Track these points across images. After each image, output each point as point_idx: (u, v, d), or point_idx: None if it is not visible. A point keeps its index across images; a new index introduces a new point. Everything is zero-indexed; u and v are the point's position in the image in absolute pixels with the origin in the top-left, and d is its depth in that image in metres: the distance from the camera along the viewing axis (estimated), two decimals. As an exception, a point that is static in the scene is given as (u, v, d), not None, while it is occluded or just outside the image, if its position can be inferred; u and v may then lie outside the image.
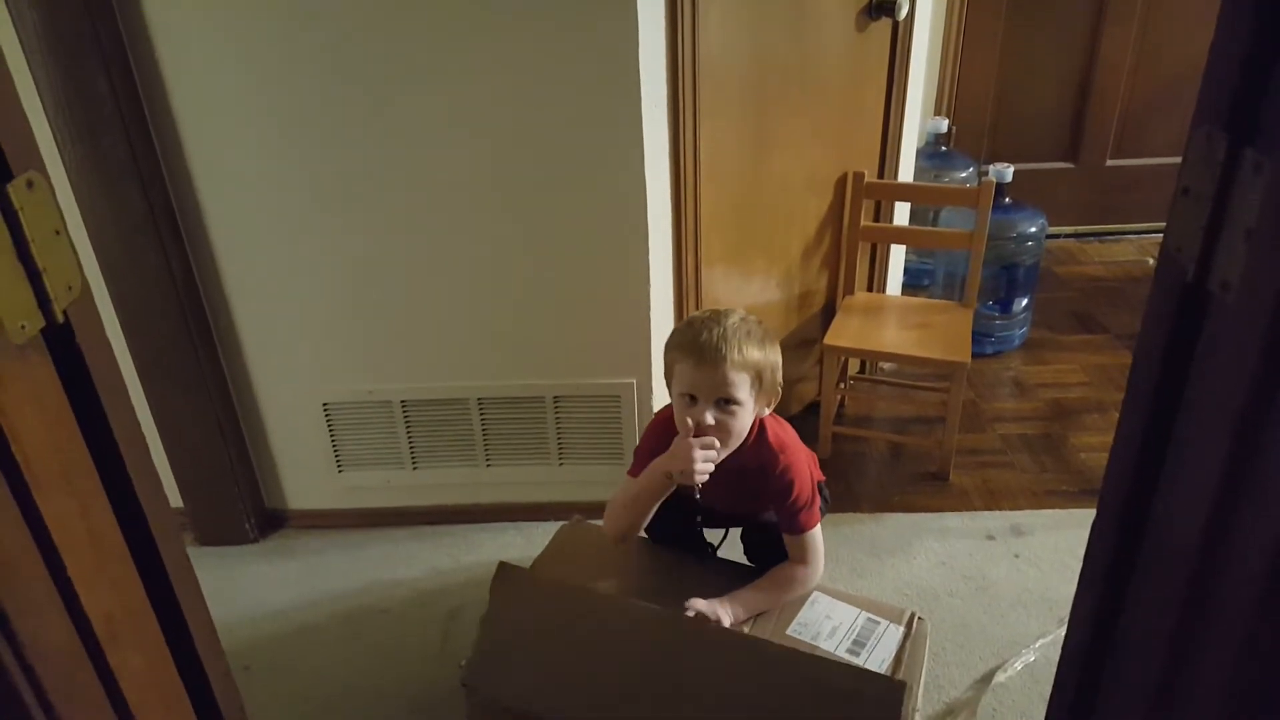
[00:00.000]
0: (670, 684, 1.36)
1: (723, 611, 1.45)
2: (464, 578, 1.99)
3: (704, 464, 1.37)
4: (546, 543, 1.68)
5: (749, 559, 1.66)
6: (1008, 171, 2.59)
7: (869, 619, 1.51)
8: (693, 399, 1.39)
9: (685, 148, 1.79)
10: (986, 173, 2.54)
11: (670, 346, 1.44)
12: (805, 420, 2.45)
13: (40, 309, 0.63)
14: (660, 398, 1.97)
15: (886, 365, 2.70)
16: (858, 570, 1.98)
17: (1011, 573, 1.97)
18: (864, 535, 2.08)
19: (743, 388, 1.38)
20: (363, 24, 1.62)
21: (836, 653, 1.44)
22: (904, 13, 2.12)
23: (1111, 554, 0.73)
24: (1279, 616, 0.56)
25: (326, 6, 1.61)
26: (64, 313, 0.66)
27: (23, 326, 0.61)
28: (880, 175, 2.36)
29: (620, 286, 1.84)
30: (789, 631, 1.48)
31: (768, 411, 1.48)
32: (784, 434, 1.51)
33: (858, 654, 1.44)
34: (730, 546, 1.72)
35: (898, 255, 2.65)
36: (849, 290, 2.40)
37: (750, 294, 2.17)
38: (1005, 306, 2.82)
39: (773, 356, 1.41)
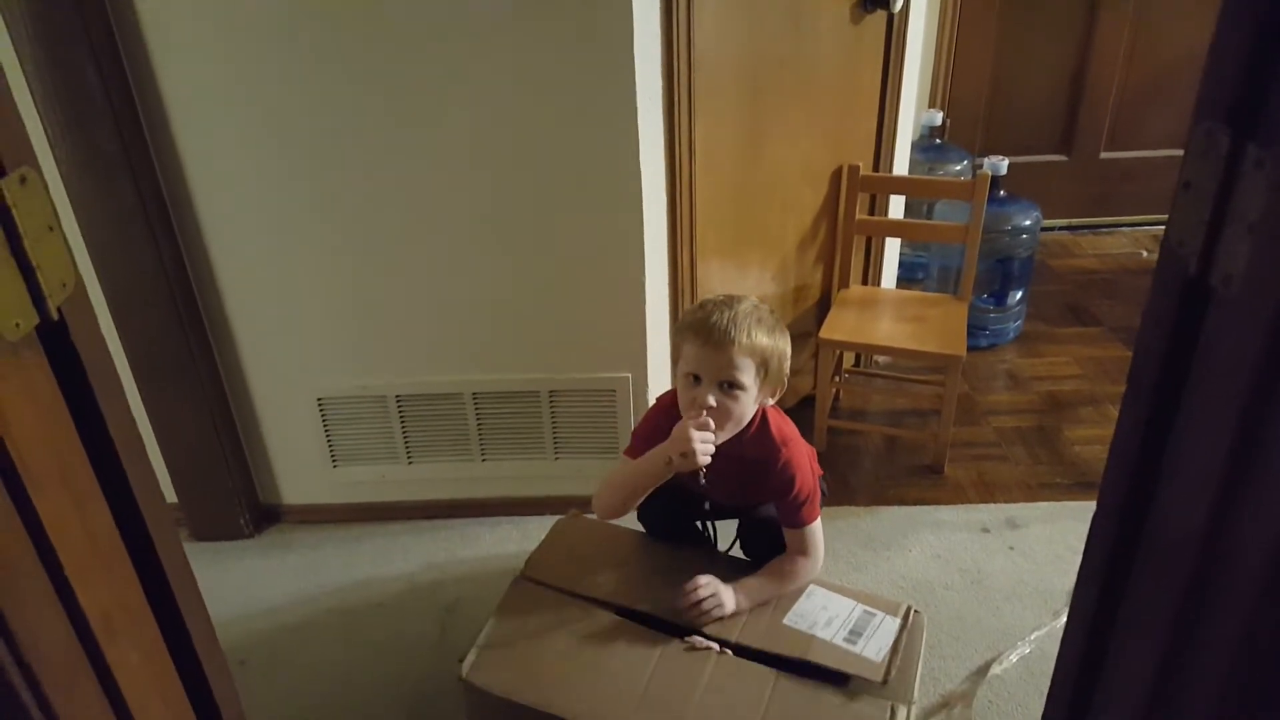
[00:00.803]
0: (669, 696, 1.36)
1: (727, 596, 1.45)
2: (460, 572, 1.99)
3: (703, 446, 1.36)
4: (541, 534, 1.67)
5: (745, 552, 1.66)
6: (1002, 164, 2.59)
7: (865, 611, 1.51)
8: (696, 379, 1.39)
9: (680, 141, 1.78)
10: (981, 166, 2.54)
11: (680, 327, 1.45)
12: (800, 413, 2.44)
13: (34, 306, 0.63)
14: (656, 391, 1.97)
15: (881, 359, 2.71)
16: (853, 563, 1.98)
17: (1006, 565, 1.98)
18: (859, 528, 2.09)
19: (747, 372, 1.37)
20: (356, 11, 1.61)
21: (833, 641, 1.44)
22: (899, 5, 2.11)
23: (1111, 547, 0.73)
24: (1279, 610, 0.56)
25: (319, -2, 1.60)
26: (58, 310, 0.65)
27: (16, 324, 0.61)
28: (875, 168, 2.36)
29: (616, 281, 1.84)
30: (785, 621, 1.48)
31: (771, 402, 1.48)
32: (786, 428, 1.51)
33: (854, 643, 1.44)
34: (726, 541, 1.72)
35: (892, 248, 2.65)
36: (844, 283, 2.40)
37: (746, 287, 2.17)
38: (999, 299, 2.82)
39: (781, 345, 1.41)
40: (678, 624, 1.46)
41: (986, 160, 2.56)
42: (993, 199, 2.44)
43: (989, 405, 2.57)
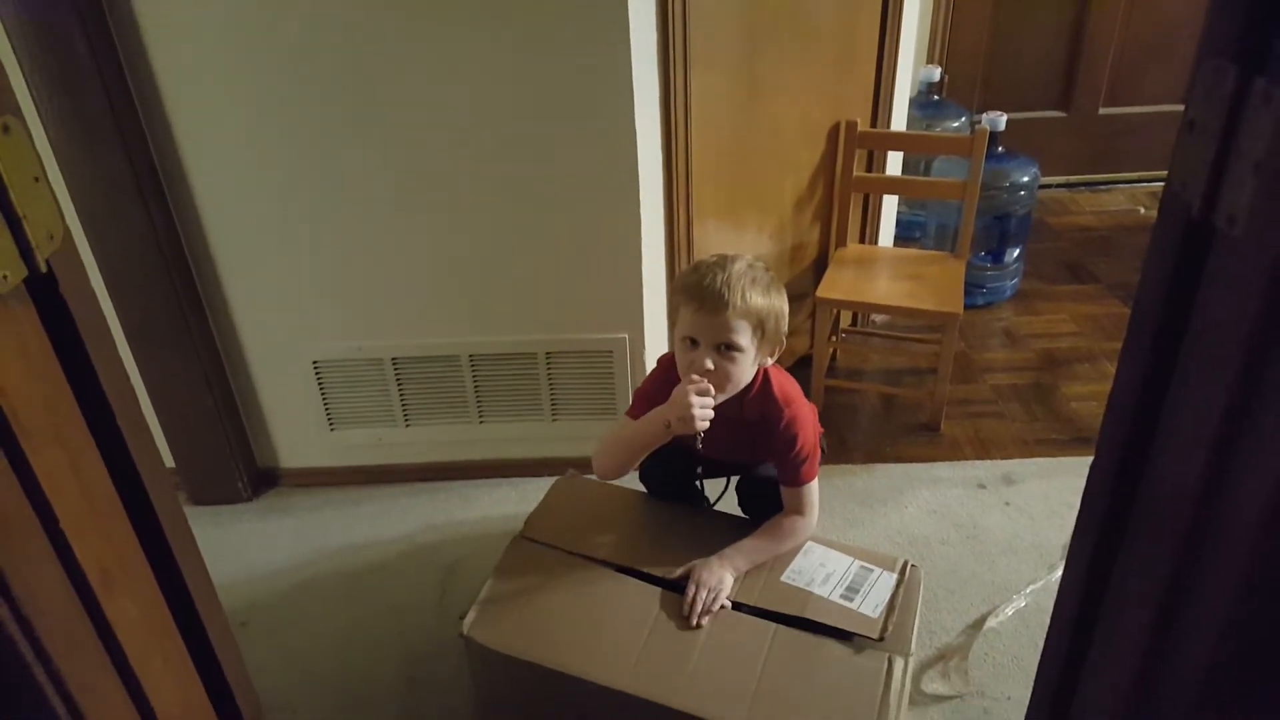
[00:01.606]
0: (668, 650, 1.37)
1: (727, 569, 1.45)
2: (458, 533, 1.99)
3: (701, 411, 1.36)
4: (539, 496, 1.68)
5: (743, 510, 1.66)
6: (1000, 120, 2.56)
7: (862, 566, 1.52)
8: (694, 343, 1.39)
9: (675, 98, 1.76)
10: (979, 122, 2.52)
11: (675, 289, 1.44)
12: (797, 373, 2.41)
13: (22, 259, 0.62)
14: (653, 351, 1.96)
15: (878, 317, 2.70)
16: (850, 520, 1.99)
17: (1002, 520, 1.99)
18: (856, 486, 2.09)
19: (744, 334, 1.37)
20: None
21: (831, 598, 1.45)
22: (897, -43, 2.08)
23: (1109, 495, 0.73)
24: (1278, 558, 0.56)
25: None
26: (46, 262, 0.64)
27: (4, 276, 0.60)
28: (873, 125, 2.33)
29: (612, 241, 1.83)
30: (783, 579, 1.49)
31: (770, 361, 1.47)
32: (789, 387, 1.50)
33: (851, 599, 1.45)
34: (723, 500, 1.72)
35: (890, 206, 2.63)
36: (841, 242, 2.38)
37: (742, 247, 2.15)
38: (997, 257, 2.81)
39: (778, 304, 1.40)
40: (676, 581, 1.47)
41: (985, 116, 2.54)
42: (991, 155, 2.42)
43: (986, 363, 2.57)
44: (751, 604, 1.44)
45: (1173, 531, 0.64)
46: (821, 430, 1.64)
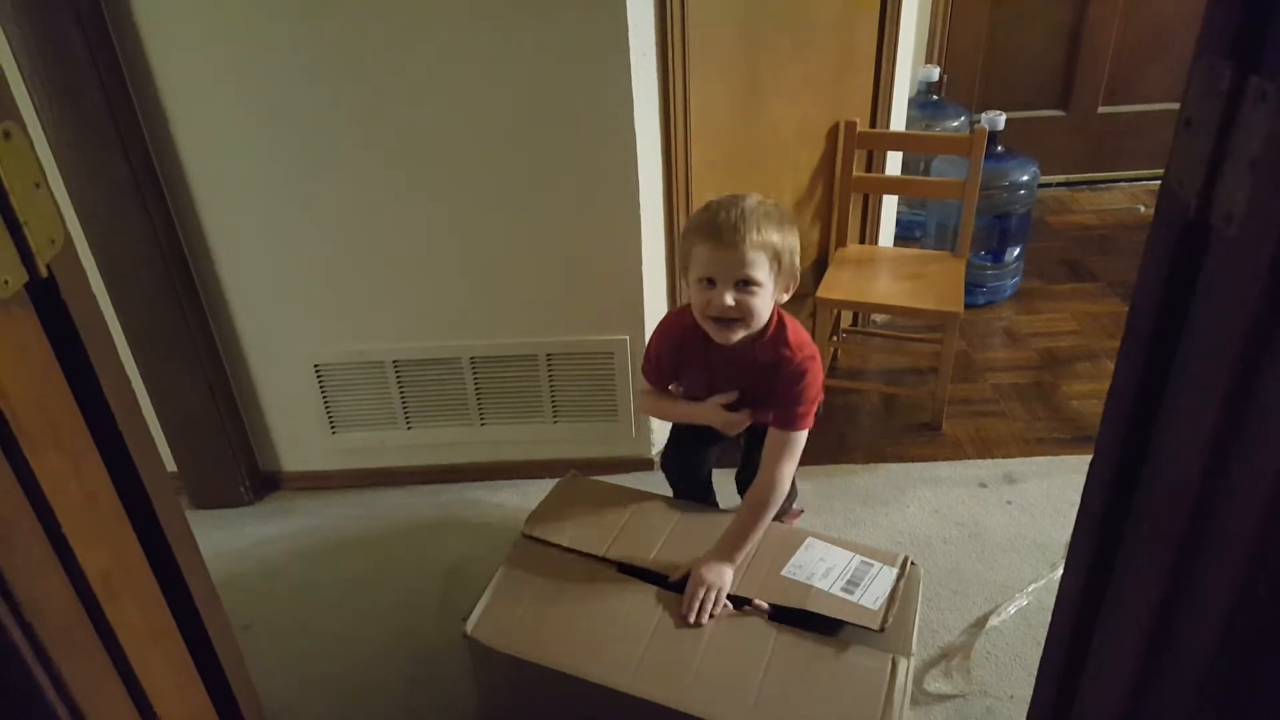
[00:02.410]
0: (672, 650, 1.37)
1: (724, 563, 1.46)
2: (460, 535, 2.00)
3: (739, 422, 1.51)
4: (541, 498, 1.68)
5: (742, 493, 1.69)
6: (1000, 119, 2.56)
7: (863, 561, 1.52)
8: (710, 282, 1.39)
9: (675, 98, 1.76)
10: (978, 121, 2.52)
11: (688, 230, 1.44)
12: (798, 373, 2.45)
13: (22, 264, 0.62)
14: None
15: (879, 317, 2.70)
16: (851, 520, 1.99)
17: (1004, 519, 1.99)
18: (857, 486, 2.09)
19: (761, 268, 1.37)
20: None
21: (831, 591, 1.45)
22: (895, -43, 2.08)
23: (1108, 494, 0.73)
24: (1276, 558, 0.56)
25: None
26: (47, 267, 0.64)
27: (5, 281, 0.60)
28: (872, 125, 2.33)
29: (612, 243, 1.83)
30: (783, 573, 1.49)
31: (786, 297, 1.48)
32: (803, 333, 1.52)
33: (852, 593, 1.45)
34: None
35: (890, 206, 2.63)
36: (841, 242, 2.38)
37: (742, 247, 2.16)
38: (997, 256, 2.81)
39: (791, 239, 1.41)
40: (680, 581, 1.47)
41: (984, 115, 2.54)
42: (991, 155, 2.42)
43: (986, 362, 2.57)
44: (751, 598, 1.44)
45: (1171, 531, 0.64)
46: (822, 397, 1.66)
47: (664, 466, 1.83)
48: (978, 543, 1.93)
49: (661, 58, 1.72)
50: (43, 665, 0.61)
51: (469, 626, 1.43)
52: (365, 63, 1.65)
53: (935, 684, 1.63)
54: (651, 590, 1.47)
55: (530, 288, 1.89)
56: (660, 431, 2.06)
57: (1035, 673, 1.59)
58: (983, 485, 2.09)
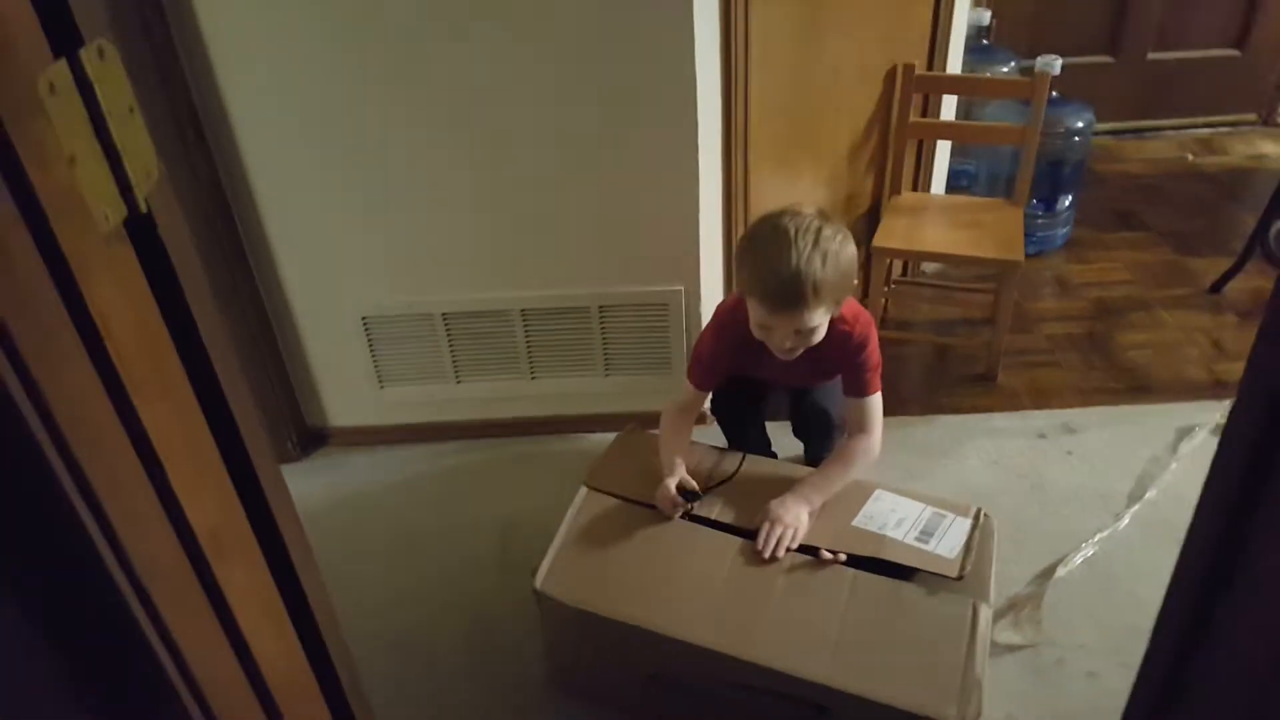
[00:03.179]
0: (746, 601, 1.35)
1: (802, 505, 1.43)
2: (514, 490, 1.97)
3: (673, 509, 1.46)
4: (597, 453, 1.64)
5: (798, 436, 1.71)
6: (1056, 63, 2.45)
7: (935, 512, 1.48)
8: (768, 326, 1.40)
9: (736, 34, 1.69)
10: (1032, 66, 2.42)
11: (741, 272, 1.40)
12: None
13: (121, 197, 0.57)
14: (710, 303, 1.91)
15: (929, 267, 2.63)
16: (910, 473, 1.95)
17: (1065, 470, 1.94)
18: (914, 438, 2.05)
19: (820, 316, 1.36)
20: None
21: (905, 541, 1.42)
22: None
23: (1248, 446, 0.67)
24: None
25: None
26: (145, 200, 0.59)
27: (106, 215, 0.55)
28: (929, 68, 2.24)
29: (668, 190, 1.76)
30: (855, 523, 1.46)
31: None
32: (857, 304, 1.50)
33: (927, 542, 1.42)
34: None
35: (943, 153, 2.55)
36: (895, 190, 2.31)
37: (796, 196, 2.09)
38: (1049, 205, 2.73)
39: (847, 266, 1.36)
40: (749, 529, 1.44)
41: (1040, 60, 2.43)
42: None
43: (1039, 312, 2.50)
44: (827, 547, 1.41)
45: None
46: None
47: (714, 411, 1.83)
48: (1040, 494, 1.89)
49: (723, -7, 1.64)
50: (158, 632, 0.57)
51: (538, 580, 1.40)
52: (419, 10, 1.58)
53: (1005, 634, 1.59)
54: (721, 538, 1.43)
55: (583, 237, 1.83)
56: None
57: (1104, 623, 1.56)
58: (1042, 436, 2.04)
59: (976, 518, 1.47)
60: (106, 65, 0.56)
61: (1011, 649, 1.57)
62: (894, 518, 1.46)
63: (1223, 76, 3.42)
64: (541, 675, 1.57)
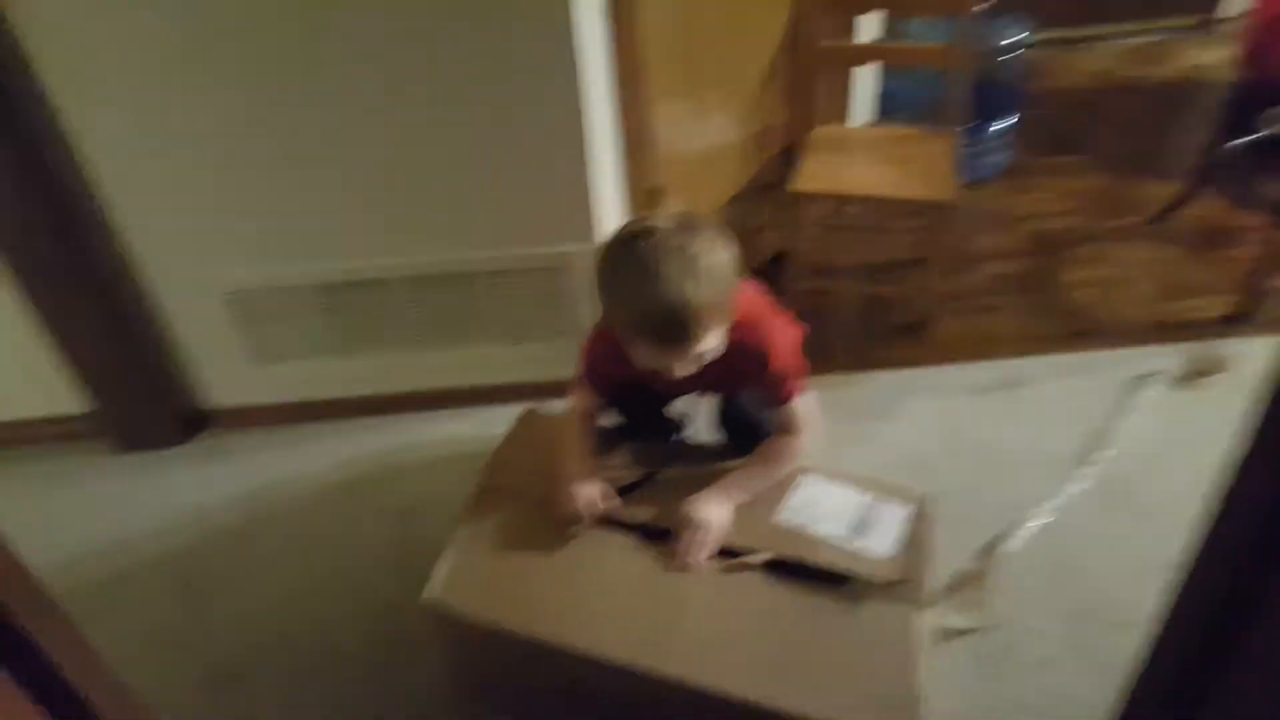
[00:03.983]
0: (664, 611, 1.20)
1: (722, 504, 1.28)
2: (415, 470, 1.81)
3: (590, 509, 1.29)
4: (499, 427, 1.48)
5: (729, 438, 1.46)
6: (987, -28, 2.26)
7: (869, 501, 1.32)
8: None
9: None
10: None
11: (608, 311, 1.18)
12: (771, 273, 2.20)
13: None
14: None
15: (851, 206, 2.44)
16: (842, 438, 1.78)
17: (1009, 430, 1.81)
18: (844, 400, 1.89)
19: (713, 339, 1.16)
20: None
21: (836, 539, 1.26)
22: None
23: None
24: None
25: None
26: None
27: None
28: (845, -17, 2.02)
29: (551, 139, 1.55)
30: (780, 518, 1.29)
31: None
32: (749, 306, 1.26)
33: (860, 537, 1.27)
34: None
35: (868, 77, 2.34)
36: (813, 123, 2.10)
37: (705, 137, 1.88)
38: (982, 130, 2.54)
39: (725, 277, 1.14)
40: (658, 527, 1.27)
41: (969, -31, 2.23)
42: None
43: (976, 250, 2.35)
44: (748, 548, 1.24)
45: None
46: (801, 332, 1.46)
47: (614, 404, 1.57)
48: (983, 457, 1.75)
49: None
50: None
51: (429, 591, 1.23)
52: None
53: (949, 618, 1.46)
54: (630, 543, 1.27)
55: (461, 197, 1.61)
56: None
57: (1056, 600, 1.41)
58: (983, 391, 1.90)
59: (917, 504, 1.31)
60: None
61: (955, 634, 1.43)
62: (823, 509, 1.30)
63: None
64: (449, 683, 1.40)
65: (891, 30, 2.60)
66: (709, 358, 1.18)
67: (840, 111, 2.24)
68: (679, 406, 1.56)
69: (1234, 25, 3.23)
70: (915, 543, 1.26)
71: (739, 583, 1.22)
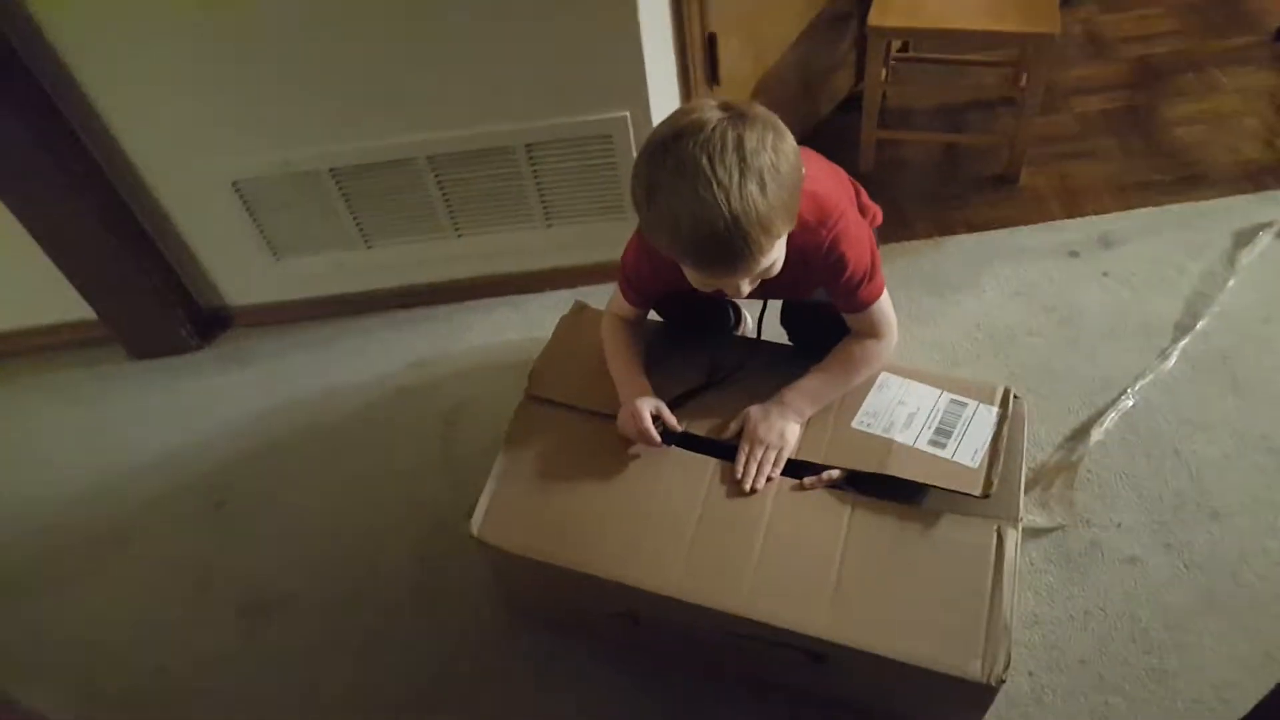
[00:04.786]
0: (726, 538, 1.10)
1: (789, 417, 1.16)
2: (454, 370, 1.68)
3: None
4: (544, 318, 1.35)
5: (794, 342, 1.33)
6: None
7: (953, 400, 1.20)
8: None
9: None
10: None
11: (650, 227, 0.98)
12: (840, 123, 1.99)
13: None
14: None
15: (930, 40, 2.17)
16: (917, 314, 1.65)
17: (1101, 296, 1.65)
18: (921, 268, 1.73)
19: (777, 250, 0.99)
20: None
21: (917, 446, 1.15)
22: None
23: None
24: None
25: None
26: None
27: None
28: None
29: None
30: (855, 425, 1.18)
31: None
32: (820, 194, 1.08)
33: (943, 446, 1.15)
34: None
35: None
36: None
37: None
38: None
39: (791, 171, 0.95)
40: (727, 443, 1.17)
41: None
42: None
43: (1067, 83, 2.09)
44: (819, 462, 1.15)
45: None
46: (873, 214, 1.33)
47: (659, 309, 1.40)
48: (1071, 330, 1.60)
49: None
50: None
51: (474, 526, 1.15)
52: None
53: (1030, 516, 1.37)
54: (694, 461, 1.17)
55: (494, 60, 1.41)
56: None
57: (1145, 493, 1.31)
58: (1073, 254, 1.72)
59: (1004, 403, 1.19)
60: None
61: (1037, 533, 1.35)
62: (903, 412, 1.19)
63: None
64: (498, 605, 1.36)
65: None
66: (775, 271, 1.03)
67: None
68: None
69: None
70: (1005, 448, 1.15)
71: (809, 503, 1.12)
